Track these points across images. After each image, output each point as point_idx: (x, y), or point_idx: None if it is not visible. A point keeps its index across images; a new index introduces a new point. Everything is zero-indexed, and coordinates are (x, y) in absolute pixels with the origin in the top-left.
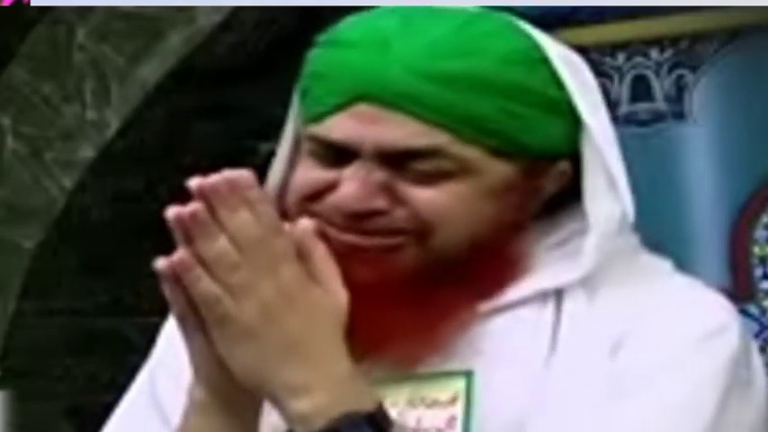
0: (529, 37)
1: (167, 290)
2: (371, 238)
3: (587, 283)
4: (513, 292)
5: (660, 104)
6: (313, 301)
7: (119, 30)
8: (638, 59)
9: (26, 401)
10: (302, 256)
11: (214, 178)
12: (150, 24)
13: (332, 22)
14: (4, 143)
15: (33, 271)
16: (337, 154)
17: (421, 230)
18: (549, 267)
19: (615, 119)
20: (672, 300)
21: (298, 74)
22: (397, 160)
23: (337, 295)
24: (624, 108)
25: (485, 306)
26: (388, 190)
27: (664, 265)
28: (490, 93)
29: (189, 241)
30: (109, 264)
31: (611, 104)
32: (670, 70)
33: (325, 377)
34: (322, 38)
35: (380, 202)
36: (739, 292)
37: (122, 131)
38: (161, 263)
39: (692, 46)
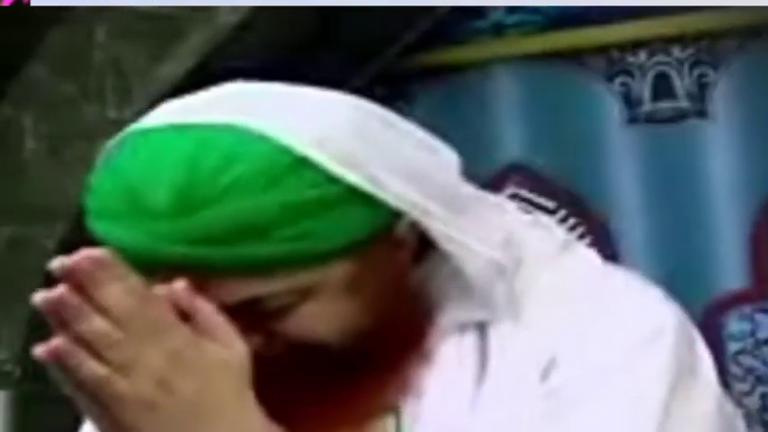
0: (270, 142)
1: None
2: (268, 372)
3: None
4: (433, 337)
5: (682, 102)
6: (209, 358)
7: (139, 29)
8: (660, 57)
9: (43, 404)
10: (186, 316)
11: (75, 258)
12: (170, 23)
13: (351, 22)
14: (24, 142)
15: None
16: None
17: (308, 346)
18: (457, 300)
19: (637, 117)
20: (601, 308)
21: (317, 73)
22: (236, 309)
23: (234, 347)
24: (646, 106)
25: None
26: (251, 329)
27: (592, 263)
28: (262, 231)
29: (64, 326)
30: None
31: (634, 103)
32: (692, 68)
33: None
34: (88, 205)
35: (254, 340)
36: (759, 290)
37: None
38: (39, 350)
39: (714, 43)
